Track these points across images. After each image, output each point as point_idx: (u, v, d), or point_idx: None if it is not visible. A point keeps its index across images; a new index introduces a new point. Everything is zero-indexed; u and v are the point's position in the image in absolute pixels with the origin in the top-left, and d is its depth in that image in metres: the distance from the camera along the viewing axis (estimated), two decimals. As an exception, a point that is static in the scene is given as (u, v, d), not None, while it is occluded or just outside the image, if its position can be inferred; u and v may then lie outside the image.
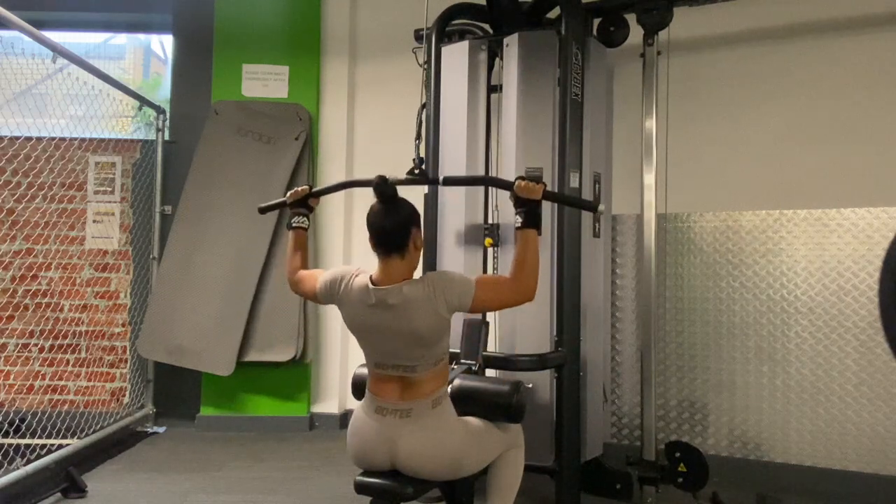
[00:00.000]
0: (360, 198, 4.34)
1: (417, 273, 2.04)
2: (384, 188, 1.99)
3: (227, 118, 4.31)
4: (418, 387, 1.97)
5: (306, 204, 2.32)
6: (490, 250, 3.07)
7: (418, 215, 2.05)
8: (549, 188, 2.08)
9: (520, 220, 2.02)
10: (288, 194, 2.35)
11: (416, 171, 2.23)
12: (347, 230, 4.38)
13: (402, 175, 2.23)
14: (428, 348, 1.96)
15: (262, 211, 2.49)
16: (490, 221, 3.06)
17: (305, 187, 2.34)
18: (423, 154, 3.16)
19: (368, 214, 2.01)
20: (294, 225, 2.29)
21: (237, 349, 4.05)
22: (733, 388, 3.39)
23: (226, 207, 4.20)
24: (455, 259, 3.03)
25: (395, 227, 1.97)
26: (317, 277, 2.14)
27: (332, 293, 2.06)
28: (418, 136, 3.23)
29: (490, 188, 3.10)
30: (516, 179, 2.06)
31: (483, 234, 3.03)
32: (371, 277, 2.00)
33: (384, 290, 1.94)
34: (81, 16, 4.81)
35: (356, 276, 2.03)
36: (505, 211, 2.94)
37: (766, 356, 3.33)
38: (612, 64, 3.29)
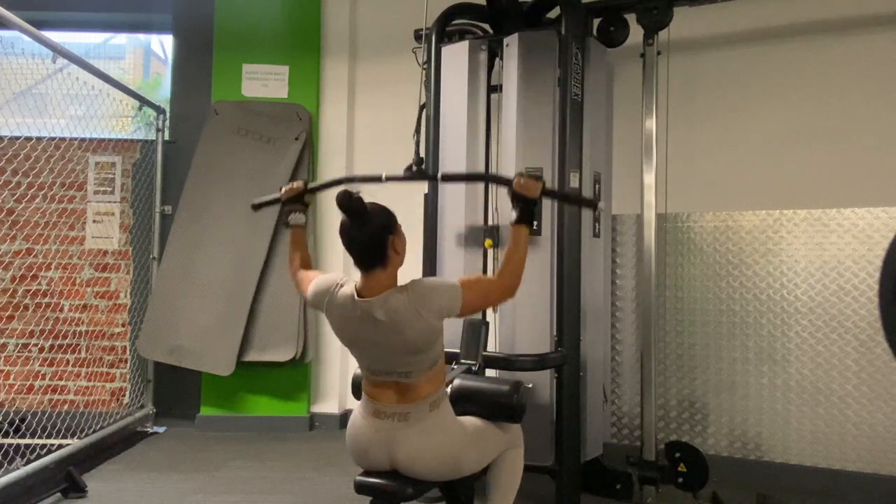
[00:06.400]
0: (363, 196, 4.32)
1: (408, 275, 2.00)
2: (349, 204, 1.86)
3: (227, 118, 4.31)
4: (415, 391, 1.94)
5: (302, 200, 2.26)
6: (490, 251, 3.07)
7: (393, 220, 1.96)
8: (548, 186, 2.05)
9: (514, 215, 2.01)
10: (283, 190, 2.27)
11: (414, 168, 2.18)
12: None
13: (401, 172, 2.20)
14: (420, 355, 1.92)
15: (256, 207, 2.43)
16: (490, 223, 3.06)
17: (300, 183, 2.27)
18: (422, 154, 3.17)
19: (340, 231, 1.92)
20: (291, 223, 2.24)
21: (237, 349, 4.05)
22: (733, 388, 3.39)
23: (226, 207, 4.20)
24: (455, 259, 3.03)
25: (370, 242, 1.90)
26: (311, 281, 2.09)
27: (320, 303, 2.01)
28: (417, 132, 3.22)
29: (490, 188, 3.10)
30: (515, 176, 2.04)
31: (483, 236, 3.03)
32: (356, 287, 1.94)
33: (369, 302, 1.89)
34: (81, 16, 4.81)
35: (341, 286, 1.97)
36: (505, 213, 2.94)
37: (766, 356, 3.33)
38: (612, 64, 3.29)
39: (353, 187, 1.91)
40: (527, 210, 2.00)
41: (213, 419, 4.24)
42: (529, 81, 2.90)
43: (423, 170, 2.34)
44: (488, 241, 3.00)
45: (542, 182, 2.02)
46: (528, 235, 2.02)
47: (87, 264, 4.42)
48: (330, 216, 4.35)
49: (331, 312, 1.98)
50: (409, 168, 2.22)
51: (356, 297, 1.92)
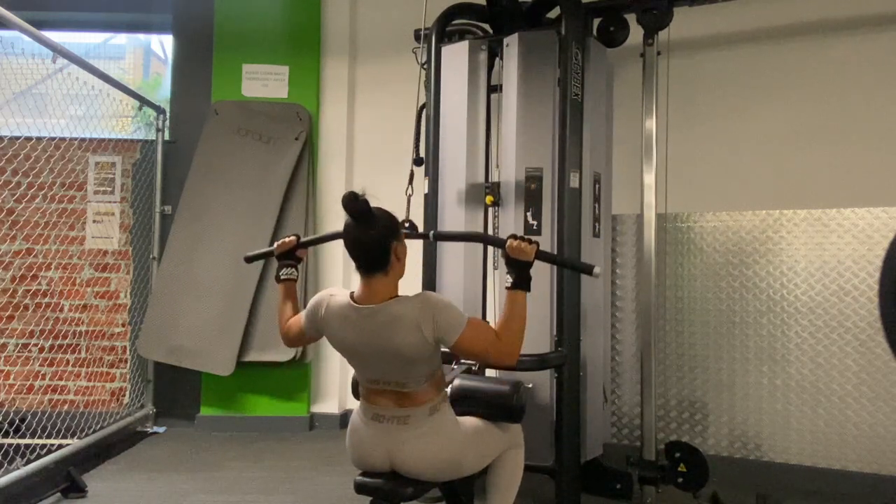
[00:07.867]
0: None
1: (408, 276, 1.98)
2: (355, 205, 1.84)
3: (227, 118, 4.31)
4: (413, 398, 1.93)
5: (294, 255, 2.22)
6: (489, 250, 3.08)
7: (397, 225, 1.95)
8: (541, 248, 1.98)
9: (510, 280, 1.95)
10: (275, 245, 2.24)
11: (407, 225, 2.12)
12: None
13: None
14: (416, 367, 1.89)
15: (249, 260, 2.44)
16: (490, 221, 3.06)
17: (293, 238, 2.23)
18: (422, 154, 3.17)
19: (344, 232, 1.91)
20: (283, 277, 2.18)
21: (237, 349, 4.05)
22: (733, 388, 3.39)
23: (226, 207, 4.20)
24: (455, 255, 3.03)
25: (373, 246, 1.88)
26: (301, 317, 2.07)
27: (316, 321, 2.00)
28: (417, 139, 3.23)
29: (489, 177, 3.10)
30: (508, 238, 1.98)
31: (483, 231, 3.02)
32: (353, 295, 1.93)
33: (369, 308, 1.88)
34: (81, 16, 4.81)
35: (332, 296, 1.97)
36: (505, 170, 2.95)
37: (766, 356, 3.33)
38: (612, 64, 3.29)
39: (358, 189, 1.90)
40: (522, 274, 1.94)
41: (213, 419, 4.24)
42: (529, 81, 2.90)
43: (415, 226, 2.27)
44: (489, 198, 2.97)
45: (535, 245, 1.96)
46: (526, 301, 1.94)
47: (87, 264, 4.42)
48: (330, 225, 4.35)
49: (328, 322, 1.96)
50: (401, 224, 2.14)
51: (355, 303, 1.91)
